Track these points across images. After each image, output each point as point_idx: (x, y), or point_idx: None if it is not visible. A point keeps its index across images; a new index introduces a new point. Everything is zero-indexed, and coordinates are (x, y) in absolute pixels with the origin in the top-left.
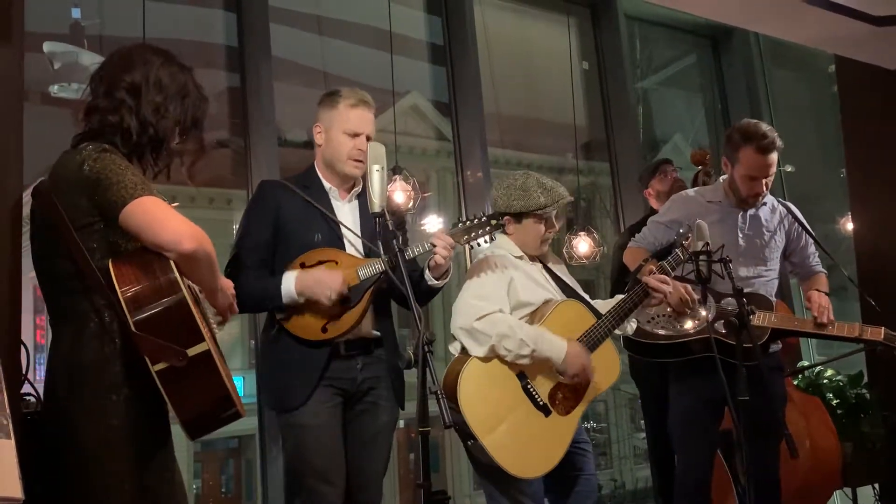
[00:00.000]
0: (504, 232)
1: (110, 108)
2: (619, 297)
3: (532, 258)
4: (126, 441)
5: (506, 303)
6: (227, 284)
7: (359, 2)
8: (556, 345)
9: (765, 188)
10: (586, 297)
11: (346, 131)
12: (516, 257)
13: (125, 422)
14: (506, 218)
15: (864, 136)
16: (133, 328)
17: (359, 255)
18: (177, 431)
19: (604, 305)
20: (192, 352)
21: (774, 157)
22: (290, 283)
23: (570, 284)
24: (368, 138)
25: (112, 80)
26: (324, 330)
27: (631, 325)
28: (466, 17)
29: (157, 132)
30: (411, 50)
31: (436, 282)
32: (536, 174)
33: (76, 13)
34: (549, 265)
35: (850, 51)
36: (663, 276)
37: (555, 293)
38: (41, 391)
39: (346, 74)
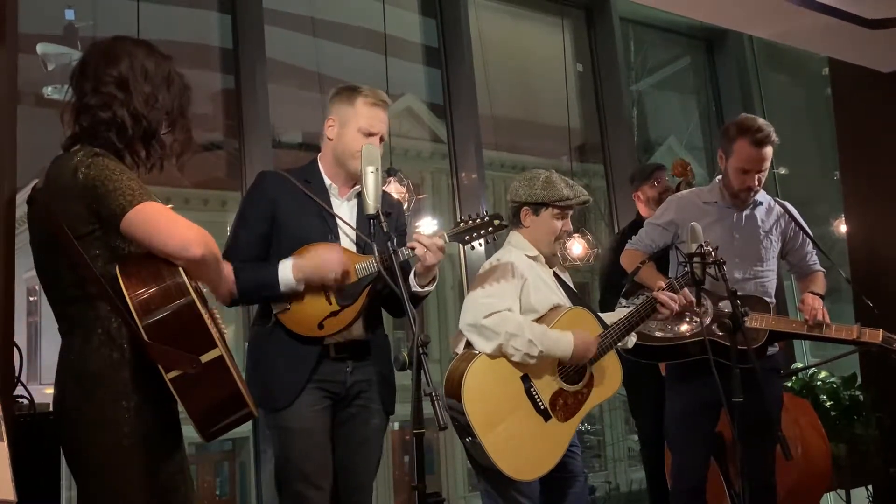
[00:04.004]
0: (519, 225)
1: (100, 105)
2: (622, 309)
3: (545, 262)
4: (139, 447)
5: (516, 303)
6: (227, 271)
7: (353, 4)
8: (562, 343)
9: (757, 183)
10: (593, 308)
11: (362, 129)
12: (530, 257)
13: (137, 428)
14: (524, 209)
15: (858, 139)
16: (144, 335)
17: (356, 252)
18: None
19: (609, 318)
20: (205, 358)
21: (769, 151)
22: (287, 271)
23: (579, 295)
24: (382, 139)
25: (98, 76)
26: (320, 326)
27: (631, 340)
28: (461, 19)
29: (149, 123)
30: (406, 52)
31: (419, 288)
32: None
33: (70, 15)
34: (560, 274)
35: (843, 54)
36: (673, 295)
37: (563, 299)
38: (34, 394)
39: (341, 76)
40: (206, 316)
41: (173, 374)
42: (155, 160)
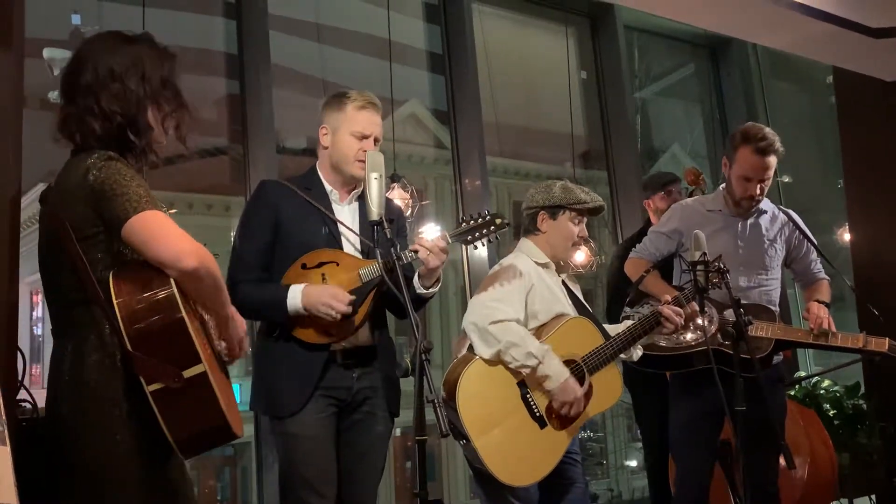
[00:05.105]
0: (534, 231)
1: (73, 112)
2: (628, 322)
3: (555, 269)
4: (133, 454)
5: (522, 311)
6: (240, 318)
7: (358, 10)
8: (558, 368)
9: (759, 192)
10: (597, 319)
11: (354, 133)
12: (539, 264)
13: (130, 435)
14: (541, 214)
15: (862, 147)
16: (128, 344)
17: (359, 257)
18: None
19: (614, 329)
20: (188, 373)
21: (772, 160)
22: (297, 299)
23: (585, 305)
24: (376, 140)
25: (70, 87)
26: (328, 333)
27: (637, 353)
28: (466, 26)
29: (124, 115)
30: (410, 58)
31: (424, 290)
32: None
33: (76, 19)
34: (568, 283)
35: (847, 62)
36: (678, 309)
37: (570, 309)
38: (37, 398)
39: (345, 82)
40: (194, 331)
41: (154, 386)
42: (144, 145)
